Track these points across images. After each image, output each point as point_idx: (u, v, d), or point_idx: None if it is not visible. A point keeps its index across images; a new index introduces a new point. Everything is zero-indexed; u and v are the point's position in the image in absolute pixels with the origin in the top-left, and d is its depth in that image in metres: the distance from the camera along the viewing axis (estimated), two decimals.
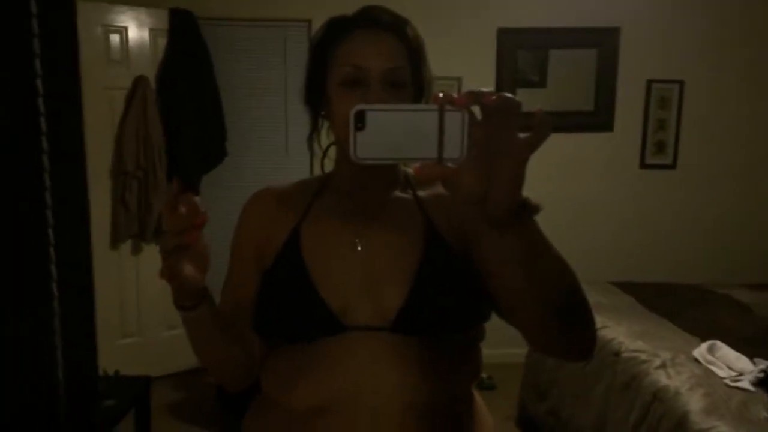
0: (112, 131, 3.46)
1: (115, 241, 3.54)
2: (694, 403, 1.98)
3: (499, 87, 3.95)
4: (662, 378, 2.18)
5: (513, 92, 3.90)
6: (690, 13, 3.94)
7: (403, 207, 1.02)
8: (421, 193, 1.04)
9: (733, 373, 2.15)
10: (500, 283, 0.89)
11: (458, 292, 0.94)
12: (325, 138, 1.08)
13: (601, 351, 2.51)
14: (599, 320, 2.68)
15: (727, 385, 2.08)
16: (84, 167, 2.18)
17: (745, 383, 2.08)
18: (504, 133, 0.66)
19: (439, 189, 0.95)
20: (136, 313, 3.65)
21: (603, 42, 3.95)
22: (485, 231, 0.77)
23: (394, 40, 0.98)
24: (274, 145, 4.00)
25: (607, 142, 4.03)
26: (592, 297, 2.94)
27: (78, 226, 2.09)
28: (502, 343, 1.99)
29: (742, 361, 2.21)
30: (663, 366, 2.24)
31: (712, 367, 2.20)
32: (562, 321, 0.83)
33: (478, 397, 1.06)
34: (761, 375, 2.12)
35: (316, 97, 1.04)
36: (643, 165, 4.07)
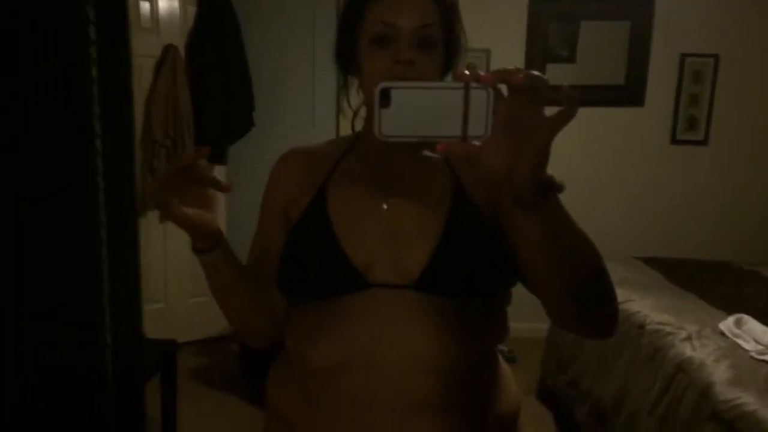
0: (142, 100, 3.49)
1: (142, 209, 3.59)
2: (719, 374, 1.96)
3: (529, 61, 3.89)
4: (687, 350, 2.15)
5: (542, 68, 3.85)
6: None
7: (432, 166, 1.02)
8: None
9: (760, 347, 2.11)
10: (523, 257, 0.88)
11: (484, 254, 0.93)
12: (355, 96, 1.07)
13: (625, 324, 2.48)
14: (624, 294, 2.67)
15: (754, 358, 2.04)
16: (132, 136, 2.21)
17: None
18: (530, 112, 0.66)
19: None
20: (162, 279, 3.70)
21: (636, 14, 3.87)
22: (509, 208, 0.77)
23: None
24: (301, 117, 4.01)
25: (637, 117, 3.96)
26: (618, 272, 2.94)
27: (125, 190, 2.11)
28: (523, 318, 1.99)
29: None
30: (688, 338, 2.21)
31: (738, 341, 2.17)
32: (584, 300, 0.83)
33: (503, 363, 1.05)
34: None
35: (347, 55, 1.03)
36: (674, 141, 4.00)
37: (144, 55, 3.46)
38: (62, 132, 1.72)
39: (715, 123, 3.96)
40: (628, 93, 3.95)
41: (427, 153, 1.04)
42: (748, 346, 2.13)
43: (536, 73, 0.64)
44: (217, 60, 3.62)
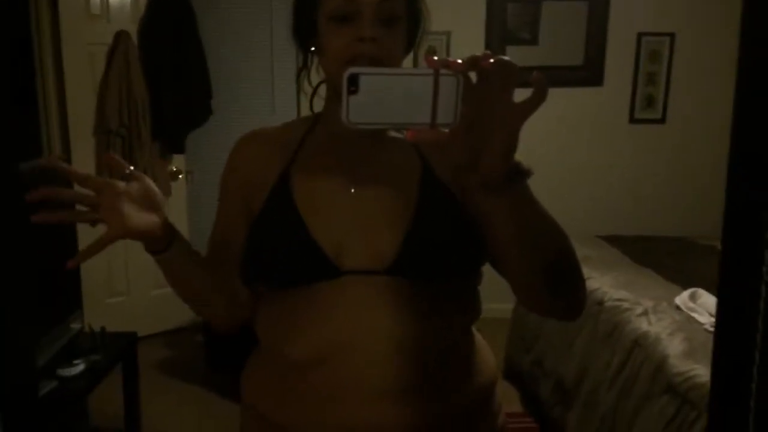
0: (94, 89, 3.41)
1: None
2: (674, 347, 2.00)
3: (489, 42, 3.89)
4: (644, 325, 2.19)
5: (502, 50, 3.85)
6: None
7: (398, 147, 0.99)
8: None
9: (714, 319, 2.15)
10: (491, 241, 0.87)
11: (456, 235, 0.91)
12: (315, 76, 1.02)
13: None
14: (584, 272, 2.69)
15: (707, 331, 2.09)
16: None
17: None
18: (500, 98, 0.65)
19: None
20: (124, 272, 3.64)
21: None
22: (476, 195, 0.76)
23: None
24: (260, 103, 3.96)
25: (596, 96, 4.00)
26: (580, 250, 2.94)
27: None
28: (488, 298, 1.96)
29: None
30: (645, 313, 2.25)
31: (693, 314, 2.21)
32: (552, 282, 0.83)
33: (479, 337, 1.04)
34: None
35: (305, 32, 0.98)
36: (633, 120, 4.04)
37: (95, 43, 3.38)
38: None
39: (672, 101, 4.02)
40: (587, 73, 3.98)
41: (393, 134, 1.01)
42: (703, 319, 2.17)
43: (506, 58, 0.63)
44: (171, 46, 3.54)
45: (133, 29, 3.48)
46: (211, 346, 3.23)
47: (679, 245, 3.22)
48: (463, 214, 0.91)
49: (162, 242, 0.92)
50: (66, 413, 2.25)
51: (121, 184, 0.89)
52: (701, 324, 2.14)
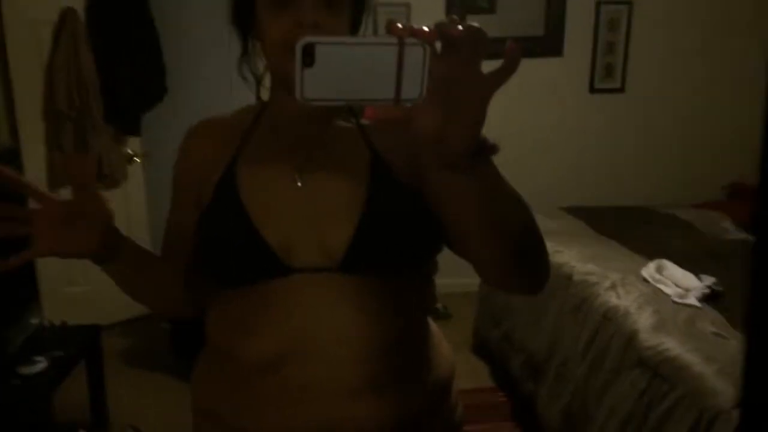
0: (42, 69, 3.25)
1: (53, 186, 3.37)
2: (643, 321, 2.03)
3: (449, 12, 3.83)
4: (612, 298, 2.21)
5: (463, 18, 3.79)
6: None
7: (347, 138, 0.95)
8: (365, 122, 0.95)
9: (680, 290, 2.20)
10: (453, 221, 0.84)
11: (408, 228, 0.88)
12: (261, 63, 0.98)
13: (552, 275, 2.52)
14: (551, 246, 2.70)
15: (675, 302, 2.13)
16: None
17: (691, 299, 2.13)
18: (468, 68, 0.59)
19: None
20: (84, 261, 3.51)
21: None
22: (438, 174, 0.71)
23: None
24: (217, 81, 3.83)
25: (556, 66, 3.99)
26: (544, 223, 2.96)
27: None
28: (456, 273, 1.94)
29: (688, 278, 2.26)
30: (613, 287, 2.28)
31: (660, 286, 2.25)
32: (516, 258, 0.80)
33: (434, 327, 1.03)
34: (707, 291, 2.17)
35: (244, 18, 0.94)
36: (593, 89, 4.06)
37: (41, 21, 3.20)
38: None
39: (631, 70, 4.04)
40: (548, 43, 3.96)
41: (340, 123, 0.97)
42: (669, 290, 2.21)
43: (476, 25, 0.58)
44: (120, 22, 3.39)
45: (79, 5, 3.31)
46: (176, 333, 3.17)
47: (642, 215, 3.27)
48: (416, 204, 0.88)
49: (100, 257, 0.90)
50: (30, 412, 2.18)
51: (61, 203, 0.87)
52: (668, 296, 2.17)
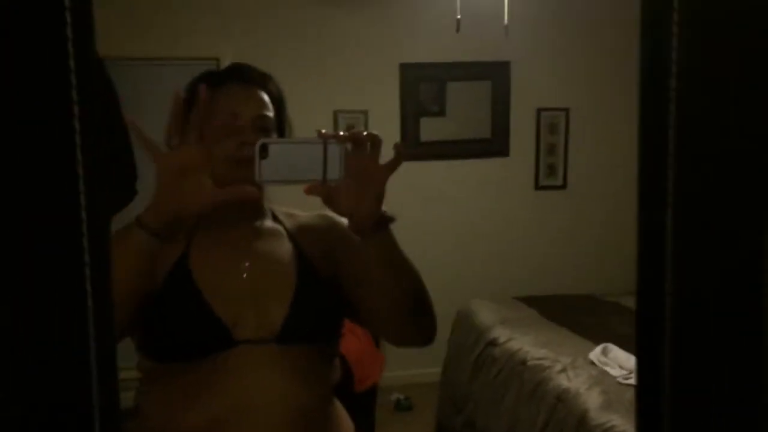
0: None
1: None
2: (592, 401, 2.21)
3: (404, 117, 4.16)
4: (564, 381, 2.40)
5: (416, 121, 4.14)
6: (571, 48, 4.31)
7: (276, 236, 1.18)
8: (288, 225, 1.20)
9: (625, 372, 2.40)
10: (366, 289, 1.10)
11: (327, 305, 1.13)
12: None
13: (509, 361, 2.72)
14: (506, 333, 2.92)
15: (620, 383, 2.33)
16: None
17: (635, 380, 2.33)
18: (370, 160, 0.95)
19: (302, 221, 1.19)
20: None
21: (496, 75, 4.26)
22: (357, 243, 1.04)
23: (262, 93, 1.14)
24: None
25: (504, 166, 4.33)
26: (501, 312, 3.20)
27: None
28: (416, 364, 2.07)
29: (631, 360, 2.47)
30: (564, 370, 2.47)
31: (606, 368, 2.45)
32: (413, 311, 1.08)
33: (338, 402, 1.21)
34: None
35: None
36: (538, 186, 4.40)
37: None
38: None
39: (570, 169, 4.41)
40: (495, 145, 4.31)
41: (269, 224, 1.19)
42: (615, 372, 2.42)
43: (374, 132, 0.95)
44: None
45: None
46: None
47: (588, 303, 3.51)
48: (331, 287, 1.15)
49: (173, 225, 0.99)
50: None
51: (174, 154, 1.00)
52: (614, 377, 2.38)
